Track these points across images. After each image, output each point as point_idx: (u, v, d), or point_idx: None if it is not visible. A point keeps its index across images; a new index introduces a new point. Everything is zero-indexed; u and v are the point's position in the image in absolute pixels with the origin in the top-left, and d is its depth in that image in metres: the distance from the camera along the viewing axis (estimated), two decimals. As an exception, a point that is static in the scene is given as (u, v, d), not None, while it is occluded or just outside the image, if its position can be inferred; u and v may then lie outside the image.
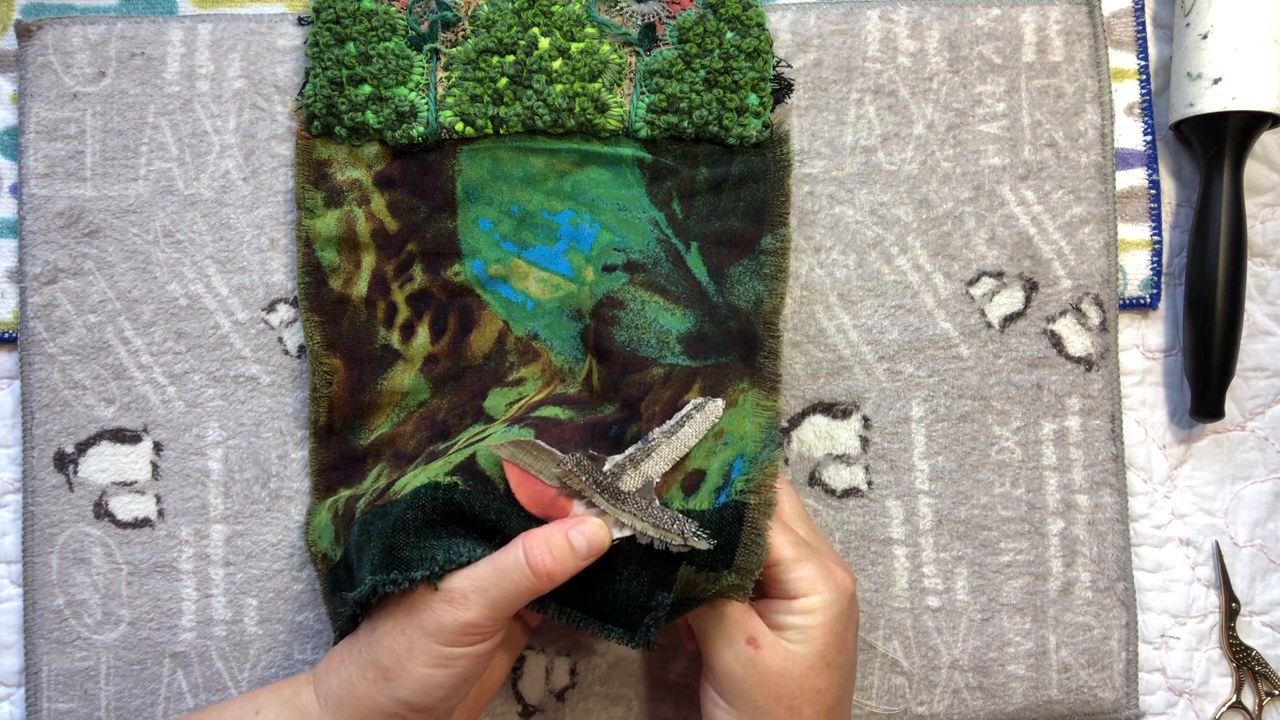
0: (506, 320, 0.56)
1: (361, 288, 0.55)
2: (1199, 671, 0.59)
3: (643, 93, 0.56)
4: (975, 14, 0.58)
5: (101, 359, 0.56)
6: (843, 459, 0.57)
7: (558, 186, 0.56)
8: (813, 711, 0.45)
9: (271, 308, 0.56)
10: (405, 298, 0.55)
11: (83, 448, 0.55)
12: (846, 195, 0.58)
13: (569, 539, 0.45)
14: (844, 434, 0.57)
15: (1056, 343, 0.58)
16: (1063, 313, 0.58)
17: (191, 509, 0.55)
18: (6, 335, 0.56)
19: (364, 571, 0.46)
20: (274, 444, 0.56)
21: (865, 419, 0.57)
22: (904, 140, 0.58)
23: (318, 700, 0.46)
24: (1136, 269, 0.59)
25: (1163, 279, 0.60)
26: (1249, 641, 0.59)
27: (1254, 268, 0.60)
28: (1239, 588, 0.59)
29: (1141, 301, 0.59)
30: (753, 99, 0.55)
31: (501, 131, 0.55)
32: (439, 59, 0.56)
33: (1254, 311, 0.60)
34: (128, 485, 0.55)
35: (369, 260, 0.55)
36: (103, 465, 0.55)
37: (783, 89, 0.57)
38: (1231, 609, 0.59)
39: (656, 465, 0.48)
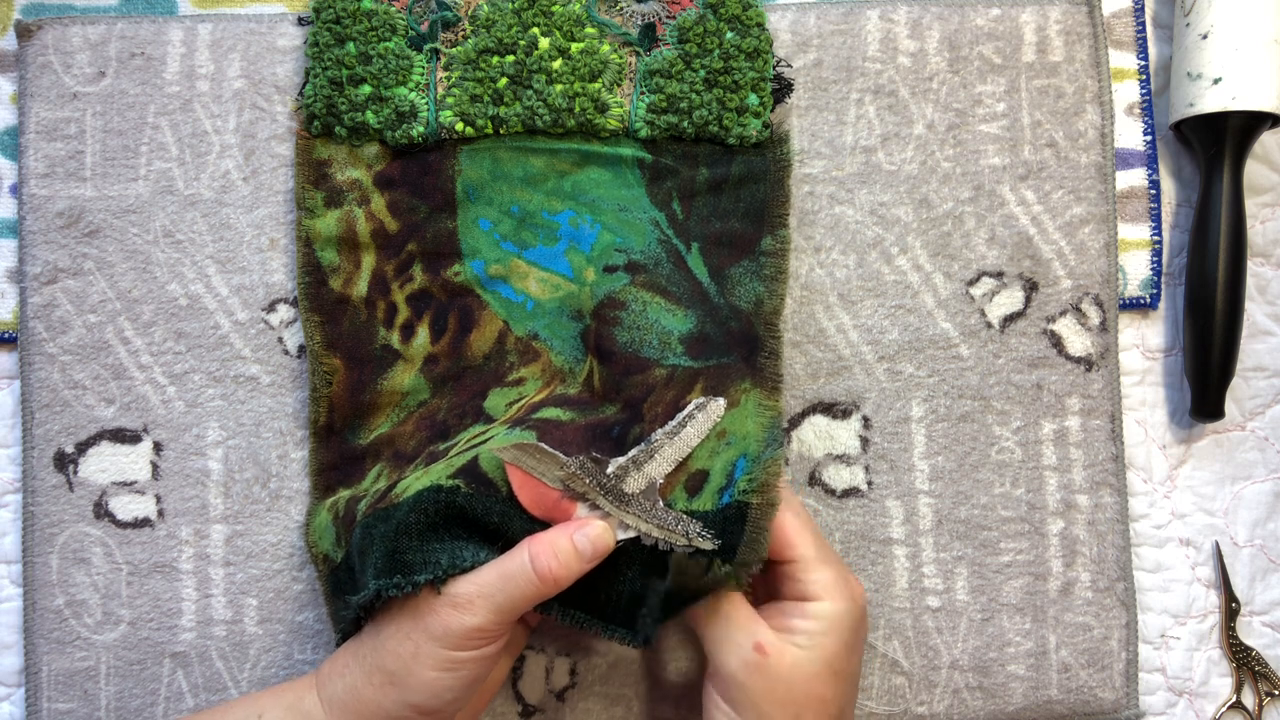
0: (506, 320, 0.56)
1: (361, 288, 0.55)
2: (1199, 671, 0.59)
3: (643, 93, 0.56)
4: (975, 14, 0.58)
5: (101, 359, 0.56)
6: (843, 459, 0.57)
7: (558, 186, 0.56)
8: (815, 719, 0.45)
9: (271, 308, 0.56)
10: (405, 298, 0.55)
11: (83, 448, 0.55)
12: (846, 195, 0.58)
13: (574, 542, 0.45)
14: (844, 434, 0.57)
15: (1056, 343, 0.58)
16: (1063, 313, 0.58)
17: (191, 509, 0.55)
18: (6, 335, 0.56)
19: (367, 575, 0.46)
20: (274, 444, 0.56)
21: (865, 419, 0.57)
22: (904, 140, 0.58)
23: (321, 705, 0.45)
24: (1136, 269, 0.59)
25: (1163, 279, 0.60)
26: (1249, 641, 0.59)
27: (1254, 268, 0.60)
28: (1239, 588, 0.59)
29: (1141, 301, 0.59)
30: (753, 99, 0.55)
31: (501, 131, 0.55)
32: (439, 59, 0.56)
33: (1254, 311, 0.60)
34: (128, 485, 0.55)
35: (369, 260, 0.55)
36: (103, 465, 0.55)
37: (783, 89, 0.57)
38: (1231, 609, 0.59)
39: (659, 466, 0.48)
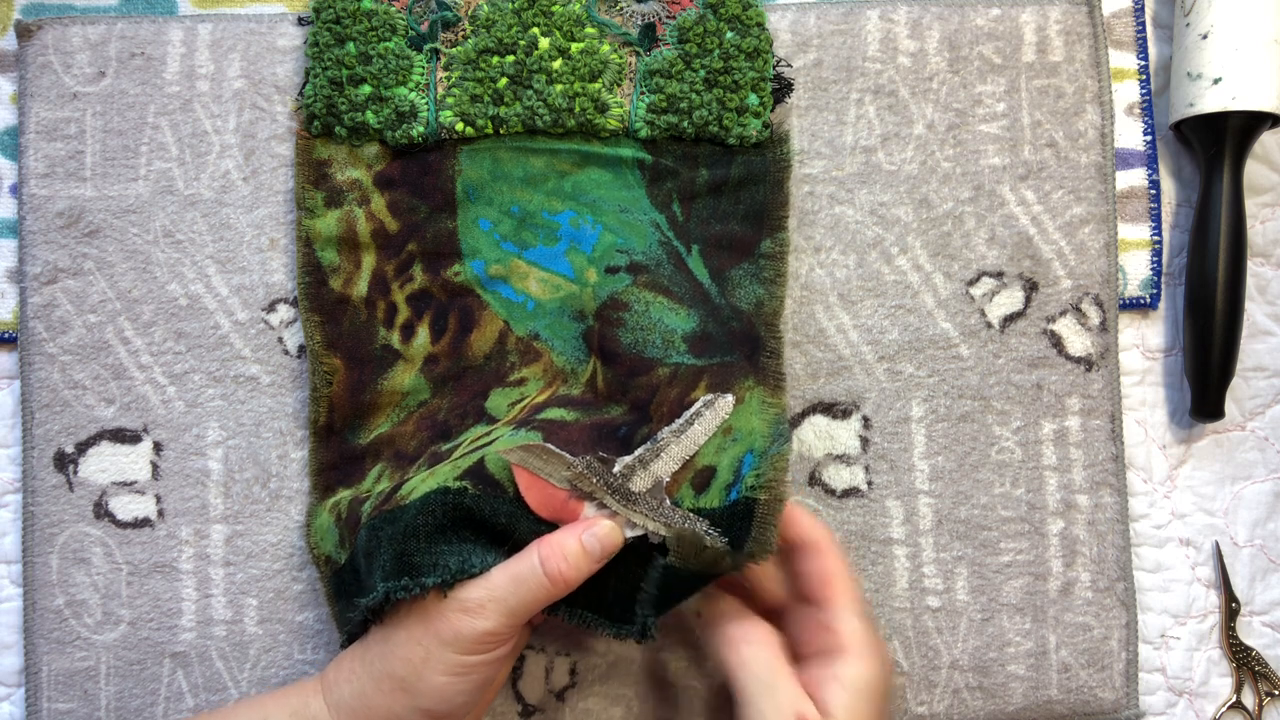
0: (507, 320, 0.56)
1: (361, 288, 0.55)
2: (1199, 671, 0.59)
3: (643, 93, 0.56)
4: (975, 14, 0.58)
5: (101, 359, 0.56)
6: (843, 459, 0.57)
7: (558, 187, 0.56)
8: None
9: (271, 308, 0.56)
10: (405, 298, 0.55)
11: (83, 448, 0.55)
12: (846, 195, 0.58)
13: (582, 543, 0.45)
14: (844, 434, 0.57)
15: (1056, 343, 0.58)
16: (1063, 313, 0.58)
17: (191, 509, 0.55)
18: (6, 335, 0.56)
19: (375, 578, 0.46)
20: (274, 444, 0.56)
21: (865, 419, 0.57)
22: (904, 140, 0.58)
23: (328, 710, 0.45)
24: (1136, 269, 0.59)
25: (1163, 279, 0.60)
26: (1249, 641, 0.59)
27: (1254, 268, 0.60)
28: (1239, 588, 0.59)
29: (1141, 301, 0.59)
30: (753, 99, 0.55)
31: (501, 131, 0.55)
32: (439, 59, 0.56)
33: (1254, 311, 0.60)
34: (128, 485, 0.55)
35: (369, 260, 0.55)
36: (103, 465, 0.55)
37: (783, 89, 0.57)
38: (1231, 609, 0.59)
39: (666, 465, 0.48)
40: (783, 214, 0.55)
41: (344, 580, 0.50)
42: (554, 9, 0.55)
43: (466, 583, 0.44)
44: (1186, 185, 0.61)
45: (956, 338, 0.57)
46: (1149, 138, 0.60)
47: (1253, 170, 0.60)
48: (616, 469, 0.48)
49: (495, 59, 0.55)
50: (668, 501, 0.48)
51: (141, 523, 0.55)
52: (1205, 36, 0.57)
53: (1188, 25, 0.58)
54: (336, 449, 0.55)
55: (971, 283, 0.58)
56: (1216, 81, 0.56)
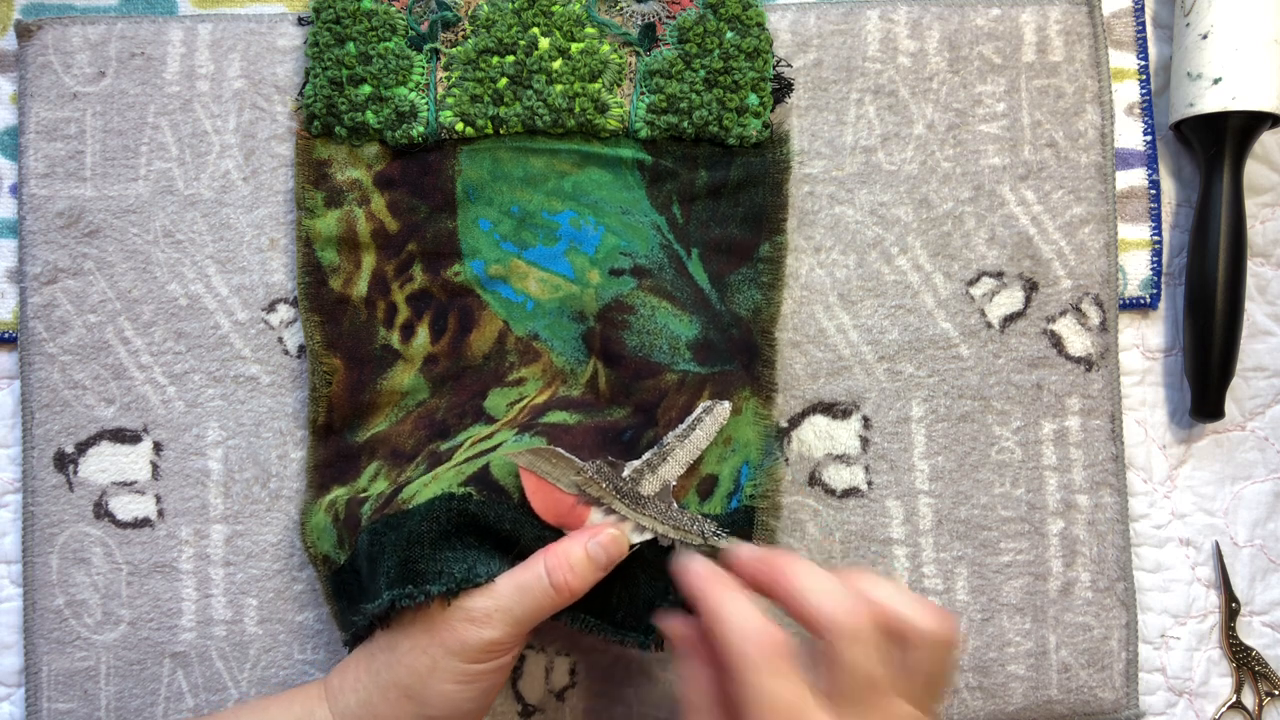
0: (506, 320, 0.56)
1: (361, 288, 0.55)
2: (1199, 671, 0.59)
3: (643, 93, 0.56)
4: (975, 14, 0.58)
5: (101, 359, 0.56)
6: (843, 459, 0.57)
7: (558, 187, 0.56)
8: None
9: (271, 308, 0.56)
10: (405, 298, 0.55)
11: (83, 448, 0.55)
12: (846, 195, 0.58)
13: (587, 551, 0.45)
14: (844, 434, 0.57)
15: (1056, 343, 0.58)
16: (1063, 313, 0.58)
17: (191, 509, 0.55)
18: (6, 335, 0.56)
19: (380, 583, 0.46)
20: (274, 444, 0.56)
21: (865, 419, 0.57)
22: (904, 140, 0.58)
23: (333, 718, 0.46)
24: (1136, 269, 0.59)
25: (1163, 279, 0.60)
26: (1249, 641, 0.59)
27: (1254, 268, 0.60)
28: (1239, 588, 0.59)
29: (1141, 301, 0.59)
30: (753, 99, 0.55)
31: (501, 132, 0.55)
32: (439, 59, 0.56)
33: (1254, 311, 0.60)
34: (128, 485, 0.55)
35: (369, 260, 0.55)
36: (103, 465, 0.55)
37: (783, 89, 0.57)
38: (1231, 609, 0.59)
39: (672, 469, 0.49)
40: (781, 217, 0.56)
41: (344, 580, 0.50)
42: (554, 9, 0.55)
43: (472, 592, 0.45)
44: (1186, 185, 0.61)
45: (956, 338, 0.57)
46: (1149, 138, 0.60)
47: (1253, 170, 0.60)
48: (625, 473, 0.48)
49: (495, 59, 0.55)
50: (675, 505, 0.49)
51: (141, 523, 0.55)
52: (1205, 36, 0.57)
53: (1188, 25, 0.58)
54: (334, 447, 0.55)
55: (971, 283, 0.58)
56: (1216, 81, 0.56)
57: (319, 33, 0.55)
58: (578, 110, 0.55)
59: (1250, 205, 0.60)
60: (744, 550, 0.44)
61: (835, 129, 0.58)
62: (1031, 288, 0.58)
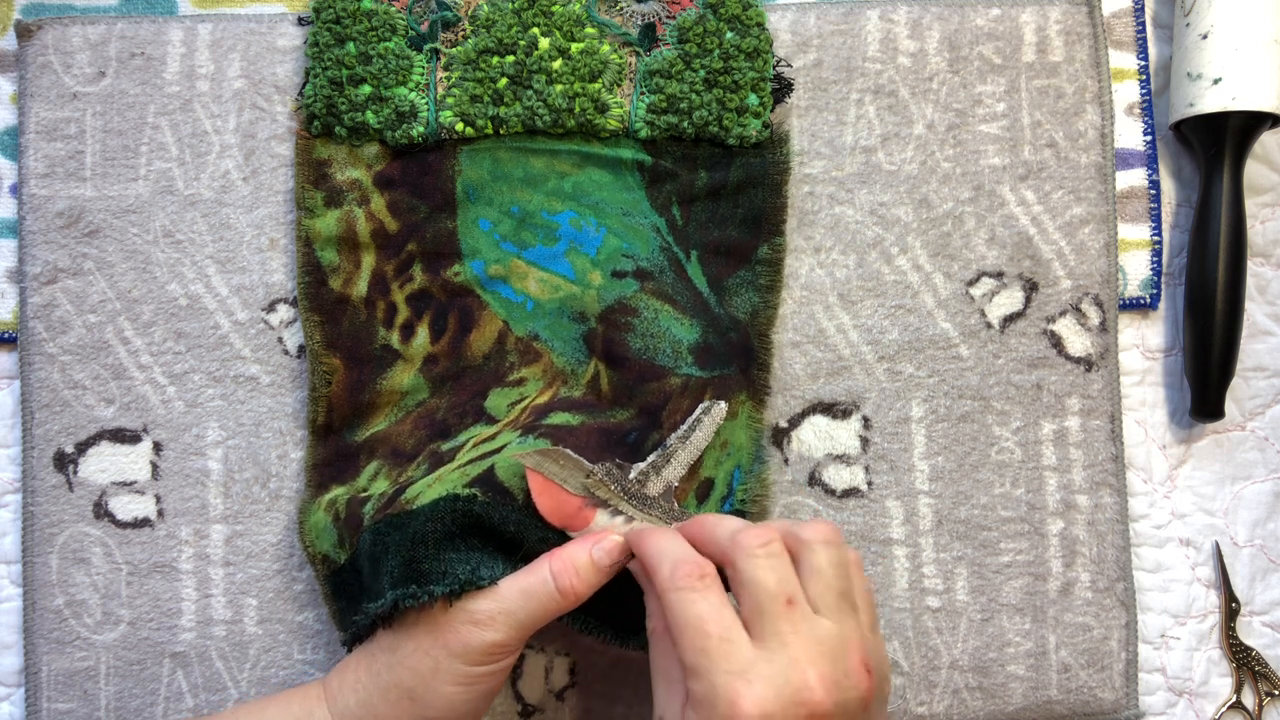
0: (506, 320, 0.56)
1: (361, 288, 0.55)
2: (1199, 671, 0.59)
3: (643, 93, 0.56)
4: (975, 14, 0.58)
5: (101, 359, 0.56)
6: (843, 459, 0.57)
7: (558, 187, 0.56)
8: None
9: (271, 308, 0.56)
10: (405, 298, 0.55)
11: (83, 448, 0.55)
12: (846, 195, 0.58)
13: (592, 557, 0.46)
14: (844, 434, 0.57)
15: (1056, 343, 0.58)
16: (1063, 313, 0.58)
17: (191, 509, 0.55)
18: (6, 335, 0.56)
19: (383, 583, 0.46)
20: (274, 444, 0.56)
21: (865, 419, 0.57)
22: (904, 140, 0.58)
23: (333, 719, 0.46)
24: (1136, 269, 0.59)
25: (1163, 279, 0.60)
26: (1249, 641, 0.59)
27: (1254, 268, 0.60)
28: (1239, 588, 0.59)
29: (1141, 301, 0.59)
30: (753, 99, 0.55)
31: (501, 132, 0.55)
32: (439, 59, 0.56)
33: (1254, 311, 0.60)
34: (128, 485, 0.55)
35: (369, 260, 0.55)
36: (103, 465, 0.55)
37: (783, 89, 0.57)
38: (1231, 609, 0.59)
39: (675, 470, 0.50)
40: (780, 219, 0.56)
41: (344, 579, 0.50)
42: (554, 9, 0.55)
43: (476, 594, 0.45)
44: (1186, 185, 0.61)
45: (956, 338, 0.57)
46: (1149, 138, 0.60)
47: (1253, 170, 0.60)
48: (632, 475, 0.48)
49: (495, 59, 0.55)
50: (677, 505, 0.49)
51: (141, 523, 0.55)
52: (1205, 36, 0.57)
53: (1188, 25, 0.58)
54: (333, 447, 0.55)
55: (971, 283, 0.58)
56: (1216, 81, 0.56)
57: (319, 33, 0.55)
58: (578, 110, 0.55)
59: (1250, 205, 0.60)
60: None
61: (835, 129, 0.58)
62: (1031, 288, 0.58)
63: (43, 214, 0.56)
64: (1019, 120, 0.58)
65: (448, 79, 0.55)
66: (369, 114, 0.55)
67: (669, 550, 0.43)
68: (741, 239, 0.55)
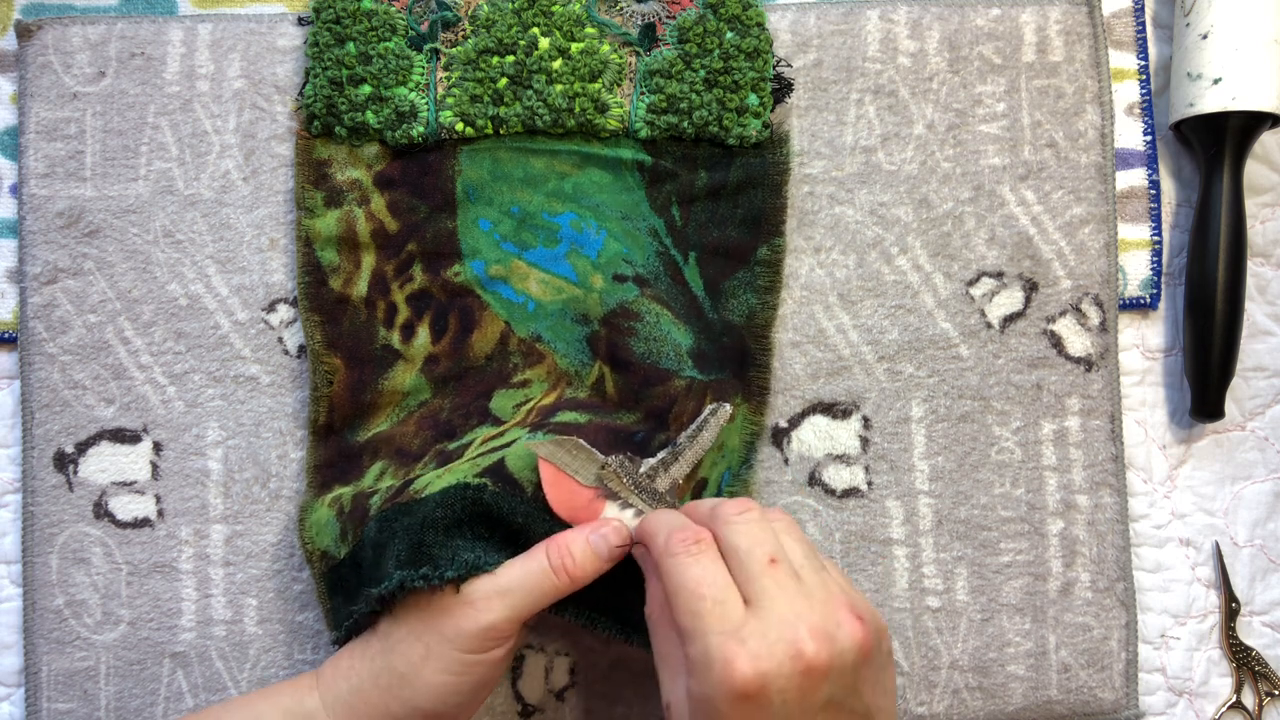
0: (508, 321, 0.56)
1: (361, 288, 0.55)
2: (1199, 671, 0.59)
3: (643, 93, 0.56)
4: (975, 14, 0.58)
5: (101, 359, 0.56)
6: (843, 459, 0.57)
7: (558, 188, 0.56)
8: None
9: (271, 308, 0.56)
10: (405, 298, 0.55)
11: (83, 448, 0.55)
12: (846, 195, 0.58)
13: (590, 542, 0.46)
14: (844, 434, 0.57)
15: (1056, 343, 0.58)
16: (1063, 313, 0.58)
17: (191, 509, 0.55)
18: (6, 335, 0.56)
19: (388, 566, 0.46)
20: (274, 444, 0.56)
21: (865, 419, 0.57)
22: (904, 140, 0.58)
23: (324, 708, 0.45)
24: (1136, 269, 0.59)
25: (1163, 279, 0.60)
26: (1249, 641, 0.59)
27: (1254, 268, 0.60)
28: (1239, 588, 0.59)
29: (1141, 301, 0.59)
30: (753, 99, 0.55)
31: (501, 132, 0.55)
32: (439, 59, 0.56)
33: (1254, 311, 0.60)
34: (128, 485, 0.55)
35: (369, 260, 0.55)
36: (103, 465, 0.55)
37: (783, 89, 0.57)
38: (1231, 609, 0.59)
39: (681, 469, 0.50)
40: (780, 219, 0.56)
41: (341, 576, 0.50)
42: (554, 9, 0.55)
43: (472, 579, 0.45)
44: (1186, 185, 0.61)
45: (956, 338, 0.57)
46: (1149, 138, 0.60)
47: (1253, 170, 0.60)
48: (643, 469, 0.49)
49: (495, 59, 0.55)
50: (679, 503, 0.49)
51: (141, 523, 0.55)
52: (1205, 36, 0.57)
53: (1188, 25, 0.58)
54: (335, 447, 0.55)
55: (971, 283, 0.58)
56: (1216, 81, 0.56)
57: (319, 33, 0.55)
58: (578, 110, 0.55)
59: (1250, 205, 0.60)
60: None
61: (835, 129, 0.58)
62: (1031, 288, 0.58)
63: (43, 214, 0.56)
64: (1019, 120, 0.58)
65: (448, 79, 0.55)
66: (369, 114, 0.55)
67: (665, 521, 0.44)
68: (741, 239, 0.55)
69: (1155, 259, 0.59)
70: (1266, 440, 0.60)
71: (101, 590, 0.55)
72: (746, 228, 0.56)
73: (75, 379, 0.55)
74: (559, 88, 0.55)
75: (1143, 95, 0.60)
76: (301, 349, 0.56)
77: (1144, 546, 0.59)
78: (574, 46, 0.55)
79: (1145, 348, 0.60)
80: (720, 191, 0.56)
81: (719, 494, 0.53)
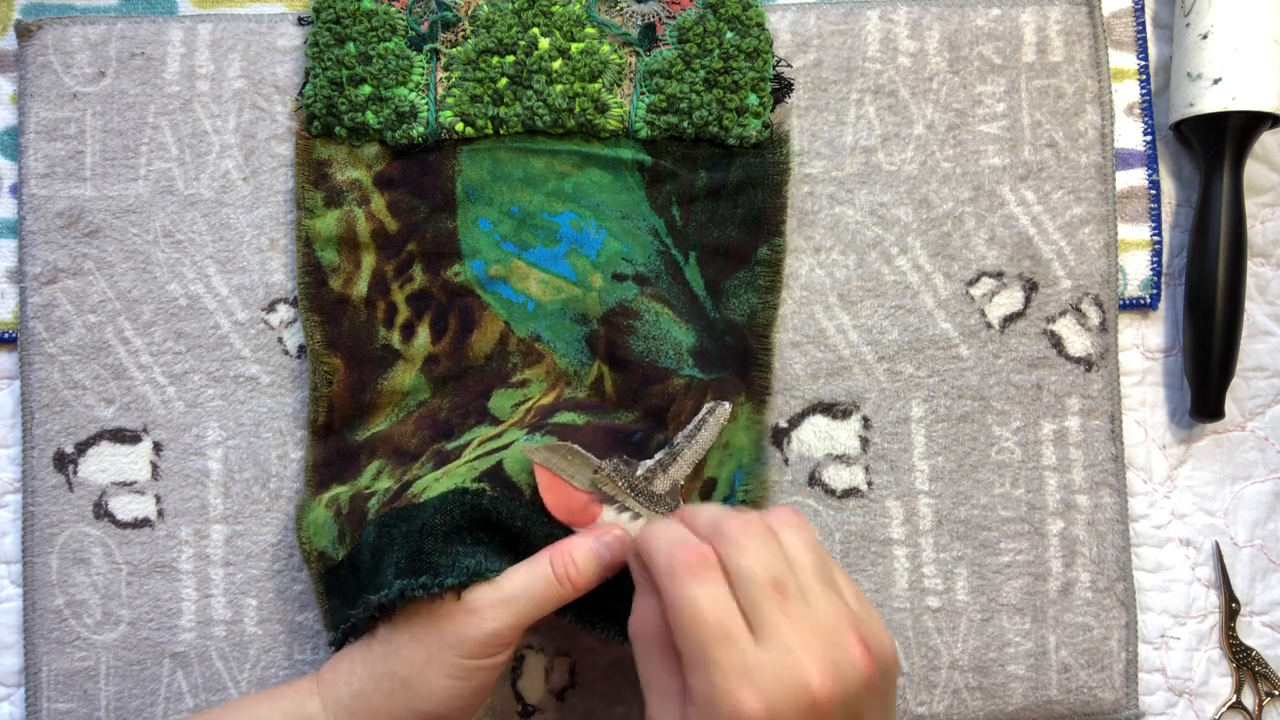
0: (508, 321, 0.56)
1: (361, 288, 0.55)
2: (1199, 671, 0.59)
3: (643, 93, 0.56)
4: (975, 14, 0.58)
5: (101, 359, 0.56)
6: (843, 459, 0.57)
7: (558, 188, 0.56)
8: None
9: (271, 308, 0.56)
10: (405, 298, 0.55)
11: (82, 448, 0.55)
12: (846, 195, 0.58)
13: (593, 550, 0.46)
14: (844, 434, 0.57)
15: (1056, 343, 0.58)
16: (1063, 313, 0.58)
17: (191, 509, 0.55)
18: (6, 335, 0.56)
19: (387, 574, 0.46)
20: (274, 444, 0.56)
21: (865, 419, 0.57)
22: (904, 140, 0.58)
23: (325, 712, 0.45)
24: (1136, 269, 0.59)
25: (1163, 279, 0.60)
26: (1249, 641, 0.59)
27: (1254, 268, 0.60)
28: (1239, 588, 0.59)
29: (1141, 301, 0.59)
30: (753, 99, 0.55)
31: (501, 132, 0.55)
32: (439, 59, 0.56)
33: (1254, 311, 0.60)
34: (127, 485, 0.55)
35: (369, 260, 0.55)
36: (102, 465, 0.55)
37: (783, 89, 0.57)
38: (1231, 609, 0.59)
39: (681, 469, 0.50)
40: (780, 219, 0.56)
41: (339, 577, 0.50)
42: (554, 9, 0.55)
43: (475, 585, 0.45)
44: (1186, 185, 0.61)
45: (956, 338, 0.57)
46: (1149, 138, 0.60)
47: (1253, 170, 0.60)
48: (639, 472, 0.49)
49: (495, 59, 0.55)
50: (682, 504, 0.50)
51: (141, 523, 0.55)
52: (1205, 36, 0.57)
53: (1188, 25, 0.58)
54: (334, 447, 0.55)
55: (971, 283, 0.58)
56: (1216, 81, 0.56)
57: (319, 33, 0.55)
58: (578, 110, 0.55)
59: (1250, 205, 0.60)
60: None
61: (835, 129, 0.58)
62: (1031, 288, 0.58)
63: (43, 214, 0.56)
64: (1019, 120, 0.58)
65: (448, 79, 0.55)
66: (369, 114, 0.55)
67: (666, 535, 0.41)
68: (741, 239, 0.55)
69: (1155, 259, 0.59)
70: (1266, 440, 0.60)
71: (101, 590, 0.55)
72: (747, 228, 0.56)
73: (75, 379, 0.55)
74: (559, 88, 0.55)
75: (1143, 95, 0.60)
76: (301, 349, 0.56)
77: (1144, 546, 0.59)
78: (574, 47, 0.55)
79: (1145, 348, 0.60)
80: (720, 191, 0.56)
81: (731, 493, 0.53)
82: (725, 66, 0.55)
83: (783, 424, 0.57)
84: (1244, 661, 0.59)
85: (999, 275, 0.58)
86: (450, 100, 0.55)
